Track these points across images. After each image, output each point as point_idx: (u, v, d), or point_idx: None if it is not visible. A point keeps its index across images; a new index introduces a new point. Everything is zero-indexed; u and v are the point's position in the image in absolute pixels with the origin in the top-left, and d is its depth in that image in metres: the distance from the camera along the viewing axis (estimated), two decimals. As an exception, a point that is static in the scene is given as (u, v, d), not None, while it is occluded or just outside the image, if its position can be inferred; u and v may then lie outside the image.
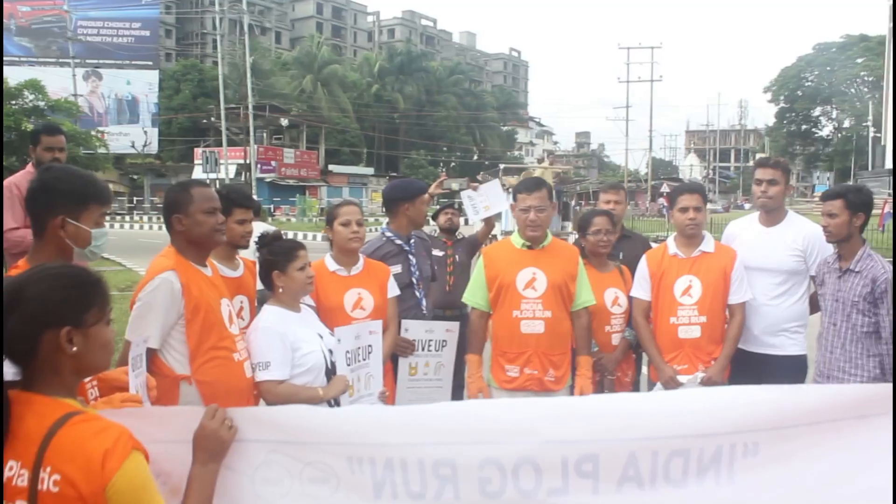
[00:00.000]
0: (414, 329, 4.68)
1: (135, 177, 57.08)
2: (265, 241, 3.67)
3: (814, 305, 4.69)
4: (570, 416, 2.71)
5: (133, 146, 56.85)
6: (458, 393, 6.15)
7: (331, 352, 3.63)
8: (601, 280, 4.76)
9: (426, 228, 5.58)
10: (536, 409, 2.85)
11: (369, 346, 3.88)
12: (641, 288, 4.71)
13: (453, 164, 78.89)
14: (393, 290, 4.43)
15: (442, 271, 6.17)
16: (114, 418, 2.10)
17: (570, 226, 23.82)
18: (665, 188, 53.36)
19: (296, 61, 71.32)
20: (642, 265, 4.74)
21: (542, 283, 4.30)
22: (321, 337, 3.67)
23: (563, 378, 4.38)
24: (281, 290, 3.61)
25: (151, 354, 3.10)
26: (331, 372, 3.61)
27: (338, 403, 3.62)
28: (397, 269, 4.72)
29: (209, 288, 3.29)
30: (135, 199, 54.86)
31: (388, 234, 4.85)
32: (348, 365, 3.70)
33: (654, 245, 5.48)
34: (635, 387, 5.06)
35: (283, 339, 3.47)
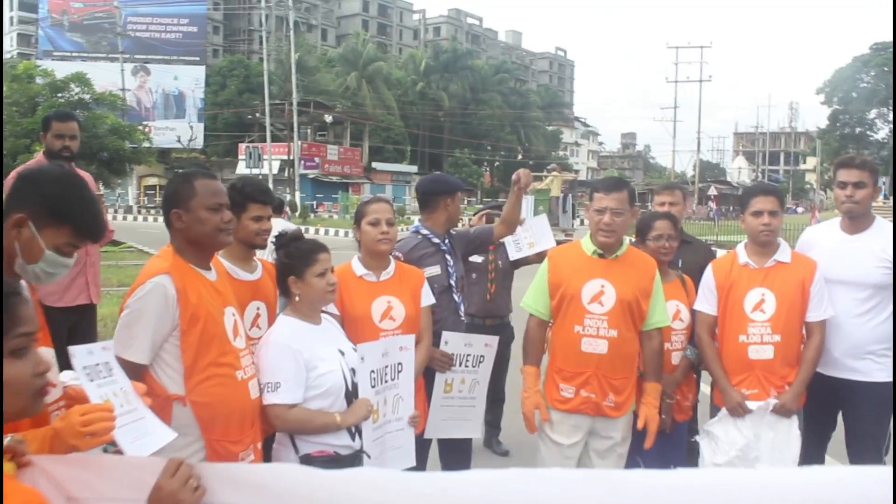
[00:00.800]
0: (454, 342, 4.19)
1: (180, 171, 57.38)
2: (283, 242, 3.23)
3: None
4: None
5: (179, 141, 57.51)
6: (494, 408, 5.67)
7: (353, 371, 3.18)
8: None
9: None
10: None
11: (399, 363, 3.41)
12: (706, 301, 4.17)
13: (497, 163, 78.52)
14: (427, 299, 3.95)
15: (482, 278, 5.68)
16: (53, 466, 1.65)
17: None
18: (713, 191, 52.39)
19: (341, 58, 71.30)
20: (708, 275, 4.21)
21: (611, 298, 3.79)
22: (342, 354, 3.20)
23: (625, 404, 3.87)
24: (297, 298, 3.17)
25: (142, 371, 2.67)
26: (352, 395, 3.16)
27: (359, 432, 3.17)
28: (435, 270, 4.25)
29: (211, 294, 2.84)
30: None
31: (424, 231, 4.38)
32: (373, 386, 3.23)
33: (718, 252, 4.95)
34: (694, 411, 4.54)
35: (297, 356, 3.02)
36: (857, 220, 4.16)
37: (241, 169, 47.35)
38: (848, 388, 4.12)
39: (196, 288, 2.77)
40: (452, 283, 4.29)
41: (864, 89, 67.78)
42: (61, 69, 29.45)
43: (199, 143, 60.38)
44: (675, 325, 4.20)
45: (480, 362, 4.25)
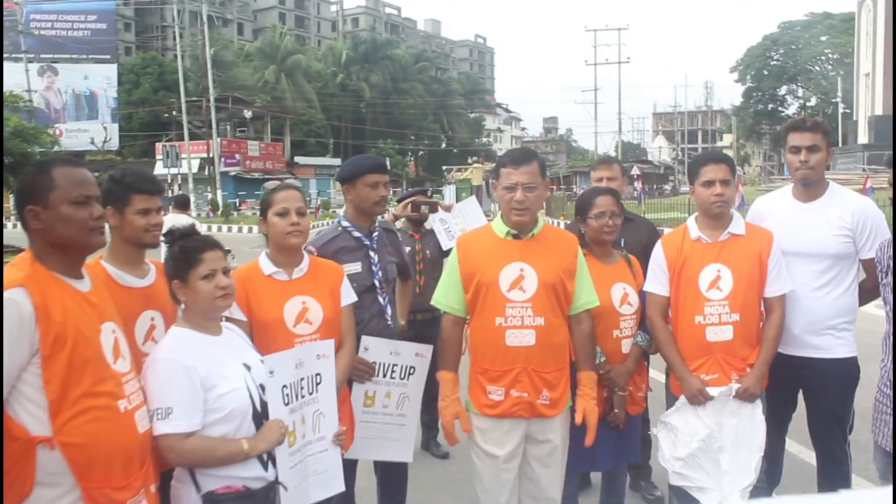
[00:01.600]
0: (376, 349, 3.73)
1: (95, 174, 55.13)
2: (172, 238, 2.74)
3: (864, 295, 3.88)
4: None
5: (93, 143, 55.49)
6: (431, 408, 5.23)
7: (262, 388, 2.71)
8: (606, 274, 3.86)
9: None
10: None
11: (317, 374, 2.94)
12: (657, 281, 3.81)
13: (421, 152, 78.17)
14: (348, 296, 3.48)
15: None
16: None
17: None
18: (636, 170, 52.89)
19: (259, 52, 69.83)
20: (657, 253, 3.84)
21: (533, 283, 3.34)
22: (248, 368, 2.73)
23: (561, 400, 3.44)
24: (183, 306, 2.69)
25: None
26: (261, 416, 2.69)
27: (272, 461, 2.70)
28: (355, 267, 3.79)
29: (82, 309, 2.33)
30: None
31: (345, 223, 3.92)
32: (286, 404, 2.76)
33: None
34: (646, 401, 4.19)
35: (190, 374, 2.53)
36: (811, 187, 3.87)
37: (160, 169, 45.91)
38: (809, 367, 3.85)
39: (61, 302, 2.27)
40: (377, 282, 3.85)
41: (774, 66, 69.86)
42: (-41, 71, 27.89)
43: (115, 144, 58.39)
44: (624, 310, 3.84)
45: (410, 374, 3.80)
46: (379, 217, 4.02)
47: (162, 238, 2.86)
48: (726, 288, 3.61)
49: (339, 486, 3.07)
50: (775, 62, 69.98)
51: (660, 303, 3.80)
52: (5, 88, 31.16)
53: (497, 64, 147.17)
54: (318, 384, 2.94)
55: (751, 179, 65.69)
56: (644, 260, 4.04)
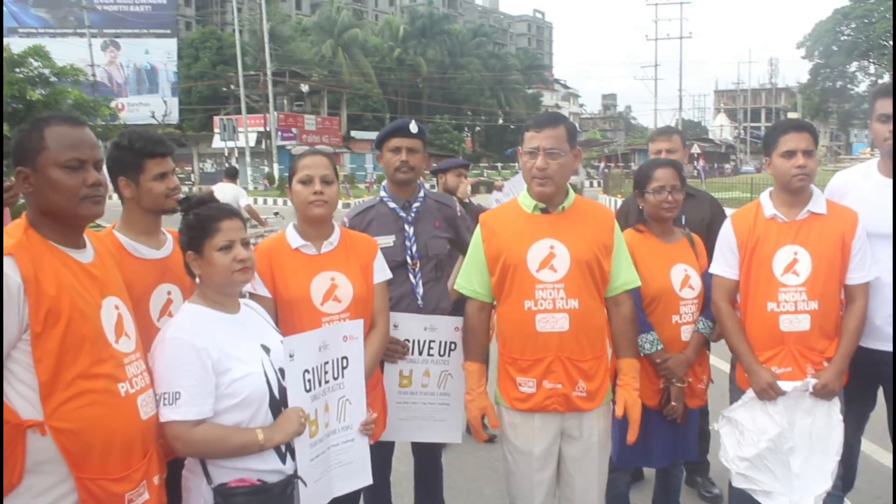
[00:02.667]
0: (406, 325, 3.47)
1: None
2: (188, 206, 2.50)
3: None
4: None
5: (153, 116, 56.35)
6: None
7: (282, 372, 2.47)
8: (666, 254, 3.54)
9: None
10: None
11: (343, 358, 2.68)
12: (725, 263, 3.44)
13: (478, 128, 77.66)
14: (382, 273, 3.22)
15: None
16: None
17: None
18: (696, 149, 51.77)
19: (316, 27, 69.86)
20: (726, 232, 3.47)
21: (565, 261, 3.00)
22: (267, 351, 2.49)
23: (599, 392, 3.11)
24: (198, 279, 2.45)
25: None
26: (280, 403, 2.45)
27: (291, 452, 2.46)
28: (387, 240, 3.52)
29: (80, 282, 2.11)
30: (155, 169, 54.27)
31: (383, 193, 3.68)
32: (308, 390, 2.51)
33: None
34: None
35: (202, 356, 2.30)
36: None
37: (217, 142, 46.42)
38: (890, 361, 3.46)
39: (55, 274, 2.05)
40: (408, 258, 3.57)
41: (844, 42, 67.55)
42: (19, 45, 28.37)
43: (174, 117, 59.29)
44: (685, 294, 3.51)
45: (452, 350, 3.50)
46: (435, 189, 3.73)
47: (174, 206, 2.62)
48: (804, 273, 3.25)
49: (367, 479, 2.82)
50: (846, 37, 67.50)
51: (727, 287, 3.44)
52: (69, 62, 31.57)
53: (555, 39, 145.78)
54: (344, 368, 2.68)
55: (817, 159, 63.94)
56: (707, 239, 3.72)
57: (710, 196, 4.62)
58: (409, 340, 3.47)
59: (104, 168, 2.28)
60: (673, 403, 3.48)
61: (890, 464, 4.28)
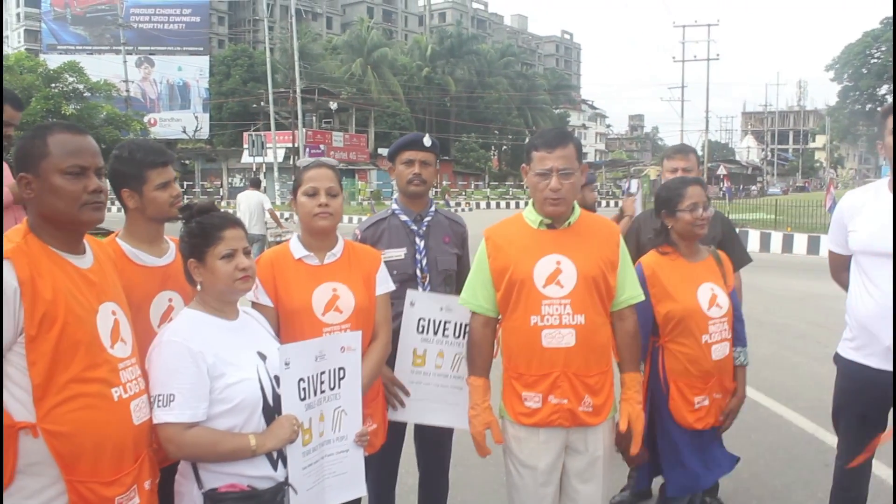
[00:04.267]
0: (423, 304, 3.46)
1: (186, 162, 56.97)
2: (190, 214, 2.53)
3: None
4: None
5: (184, 131, 57.19)
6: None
7: (277, 380, 2.49)
8: (693, 273, 3.52)
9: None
10: None
11: (340, 369, 2.69)
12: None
13: (505, 147, 77.79)
14: (385, 285, 3.23)
15: None
16: None
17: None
18: (722, 170, 51.44)
19: (346, 45, 70.57)
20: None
21: (571, 277, 3.00)
22: (263, 358, 2.51)
23: (605, 407, 3.09)
24: (199, 286, 2.48)
25: None
26: (274, 411, 2.46)
27: (283, 459, 2.48)
28: (398, 253, 3.54)
29: (77, 287, 2.15)
30: (185, 183, 54.77)
31: (395, 206, 3.70)
32: (303, 399, 2.53)
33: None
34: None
35: (197, 360, 2.32)
36: None
37: (246, 158, 46.90)
38: None
39: (52, 279, 2.08)
40: (419, 271, 3.58)
41: (874, 65, 67.06)
42: (57, 62, 28.96)
43: (205, 133, 60.23)
44: (713, 314, 3.47)
45: (466, 333, 3.42)
46: (446, 206, 3.74)
47: (179, 214, 2.65)
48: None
49: (361, 490, 2.82)
50: (876, 60, 66.95)
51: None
52: (104, 77, 32.17)
53: (583, 60, 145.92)
54: (340, 379, 2.69)
55: (844, 182, 63.23)
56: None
57: (721, 215, 4.60)
58: (423, 319, 3.47)
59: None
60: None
61: (889, 479, 4.20)
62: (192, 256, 2.46)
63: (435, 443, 3.82)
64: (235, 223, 2.51)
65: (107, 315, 2.21)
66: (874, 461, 3.92)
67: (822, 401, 6.34)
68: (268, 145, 43.94)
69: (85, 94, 26.73)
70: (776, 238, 21.91)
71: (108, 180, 2.45)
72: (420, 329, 3.49)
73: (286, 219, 16.57)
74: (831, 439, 5.57)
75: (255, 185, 14.18)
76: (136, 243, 2.78)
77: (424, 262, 3.60)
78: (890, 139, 3.44)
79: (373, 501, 3.71)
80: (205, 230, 2.45)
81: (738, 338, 3.62)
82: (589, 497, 3.11)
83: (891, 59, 64.62)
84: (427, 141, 3.62)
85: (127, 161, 2.75)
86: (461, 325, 3.46)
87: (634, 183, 5.39)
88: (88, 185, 2.16)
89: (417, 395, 3.50)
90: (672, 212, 3.53)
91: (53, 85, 26.17)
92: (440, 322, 3.49)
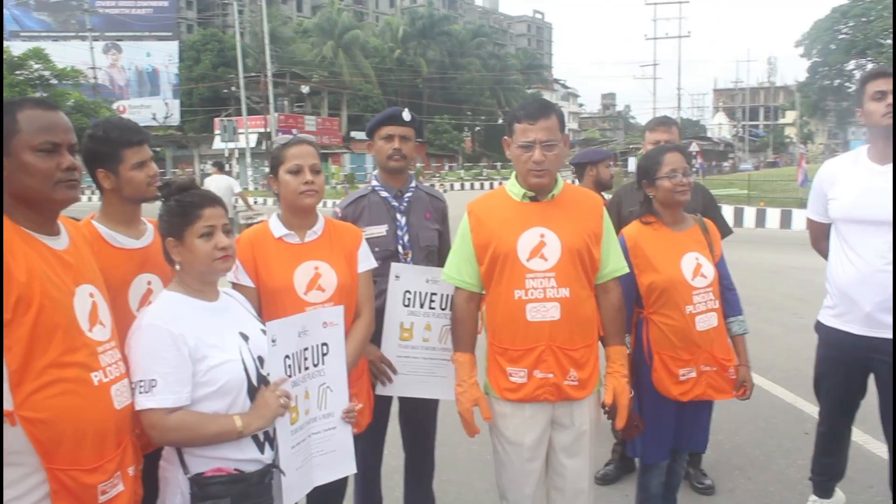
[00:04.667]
0: (408, 276, 3.43)
1: (157, 149, 56.24)
2: (169, 192, 2.46)
3: None
4: None
5: (154, 118, 56.48)
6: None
7: (260, 361, 2.44)
8: (676, 242, 3.47)
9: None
10: None
11: (323, 344, 2.65)
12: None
13: (478, 128, 77.68)
14: (367, 262, 3.19)
15: None
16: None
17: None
18: (694, 147, 51.76)
19: (317, 28, 69.90)
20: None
21: (555, 250, 2.97)
22: (246, 339, 2.45)
23: (590, 380, 3.07)
24: (178, 266, 2.43)
25: None
26: (258, 392, 2.42)
27: (269, 441, 2.44)
28: (380, 230, 3.51)
29: (53, 269, 2.08)
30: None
31: (374, 183, 3.66)
32: (289, 376, 2.49)
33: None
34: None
35: (178, 343, 2.27)
36: (892, 145, 3.45)
37: (218, 143, 46.44)
38: (882, 348, 3.46)
39: (27, 260, 2.01)
40: (400, 248, 3.54)
41: (842, 41, 67.53)
42: (19, 48, 28.45)
43: (176, 119, 59.52)
44: (697, 283, 3.41)
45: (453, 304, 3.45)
46: (427, 183, 3.71)
47: (157, 193, 2.59)
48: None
49: (350, 468, 2.79)
50: (844, 35, 67.35)
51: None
52: (71, 64, 31.64)
53: (555, 39, 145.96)
54: (324, 355, 2.65)
55: (814, 157, 63.80)
56: None
57: (702, 187, 4.60)
58: (409, 292, 3.44)
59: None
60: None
61: (883, 454, 4.24)
62: (171, 235, 2.40)
63: (420, 422, 3.80)
64: (215, 201, 2.45)
65: (84, 297, 2.15)
66: (854, 428, 3.97)
67: (800, 371, 6.45)
68: (240, 131, 43.56)
69: (51, 82, 26.29)
70: (749, 213, 22.14)
71: (82, 160, 2.39)
72: (406, 302, 3.46)
73: (256, 203, 16.15)
74: (810, 408, 5.67)
75: (220, 167, 13.92)
76: (112, 225, 2.72)
77: (406, 238, 3.57)
78: (870, 105, 3.46)
79: (358, 481, 3.69)
80: (183, 208, 2.39)
81: (731, 307, 3.59)
82: (576, 472, 3.10)
83: (859, 35, 65.18)
84: (406, 115, 3.58)
85: (102, 140, 2.68)
86: (447, 296, 3.43)
87: None
88: (62, 162, 2.09)
89: (406, 369, 3.47)
90: (652, 180, 3.50)
91: (18, 72, 25.70)
92: (426, 294, 3.46)
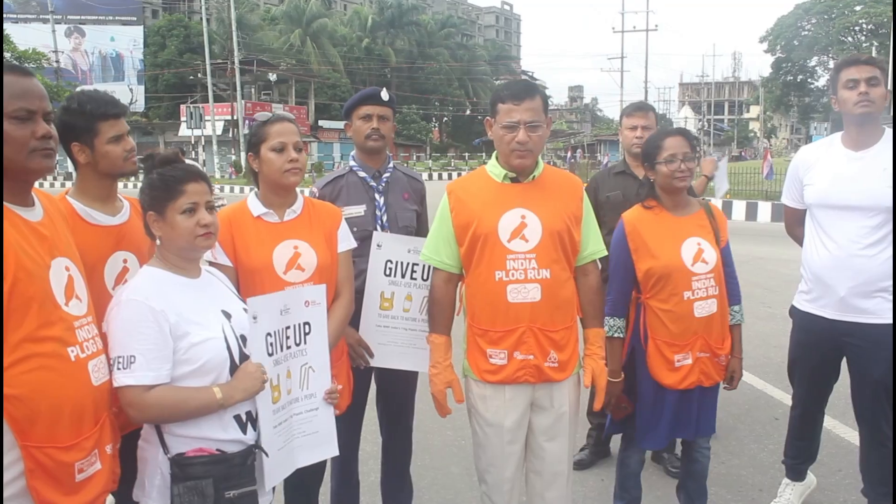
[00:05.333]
0: (390, 246, 3.40)
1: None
2: (152, 165, 2.37)
3: None
4: None
5: (118, 104, 55.52)
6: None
7: (243, 339, 2.39)
8: (677, 227, 3.40)
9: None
10: None
11: (305, 323, 2.61)
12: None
13: (446, 118, 77.63)
14: (346, 242, 3.14)
15: None
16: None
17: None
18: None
19: (284, 16, 69.29)
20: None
21: (536, 231, 2.95)
22: (228, 317, 2.40)
23: (570, 362, 3.06)
24: (159, 241, 2.37)
25: None
26: None
27: (252, 422, 2.39)
28: (358, 210, 3.46)
29: (28, 241, 2.01)
30: (120, 158, 53.44)
31: (352, 163, 3.61)
32: (270, 354, 2.44)
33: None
34: None
35: (159, 320, 2.20)
36: (866, 131, 3.49)
37: (184, 131, 45.92)
38: (855, 333, 3.51)
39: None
40: (378, 228, 3.50)
41: (805, 37, 68.50)
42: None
43: (140, 105, 58.66)
44: (697, 269, 3.33)
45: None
46: (404, 164, 3.66)
47: (140, 165, 2.51)
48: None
49: (333, 450, 2.75)
50: (807, 32, 68.29)
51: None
52: (31, 46, 31.01)
53: (523, 31, 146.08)
54: (306, 334, 2.60)
55: (777, 151, 64.71)
56: None
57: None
58: (391, 262, 3.41)
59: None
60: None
61: (851, 438, 4.30)
62: (152, 209, 2.33)
63: (398, 405, 3.77)
64: (199, 176, 2.38)
65: (60, 271, 2.08)
66: (826, 415, 4.02)
67: (770, 359, 6.52)
68: (206, 118, 43.11)
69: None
70: (715, 205, 22.34)
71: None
72: (387, 272, 3.43)
73: (223, 189, 16.22)
74: (780, 395, 5.74)
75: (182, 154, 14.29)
76: (88, 201, 2.64)
77: (385, 218, 3.53)
78: (843, 93, 3.49)
79: (336, 464, 3.65)
80: (166, 182, 2.32)
81: (731, 295, 3.49)
82: (555, 454, 3.09)
83: (821, 32, 66.08)
84: (385, 95, 3.54)
85: (76, 113, 2.59)
86: (429, 267, 3.37)
87: (718, 153, 5.46)
88: (37, 129, 2.02)
89: (385, 339, 3.44)
90: (652, 164, 3.45)
91: (-22, 55, 25.08)
92: (408, 264, 3.43)
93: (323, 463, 3.02)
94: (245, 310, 2.44)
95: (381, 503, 3.92)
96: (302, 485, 3.16)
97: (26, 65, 25.56)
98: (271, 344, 2.44)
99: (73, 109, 2.60)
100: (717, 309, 3.38)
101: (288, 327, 2.53)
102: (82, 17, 58.72)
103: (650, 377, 3.39)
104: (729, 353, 3.47)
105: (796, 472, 4.05)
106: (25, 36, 32.91)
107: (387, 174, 3.60)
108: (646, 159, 3.49)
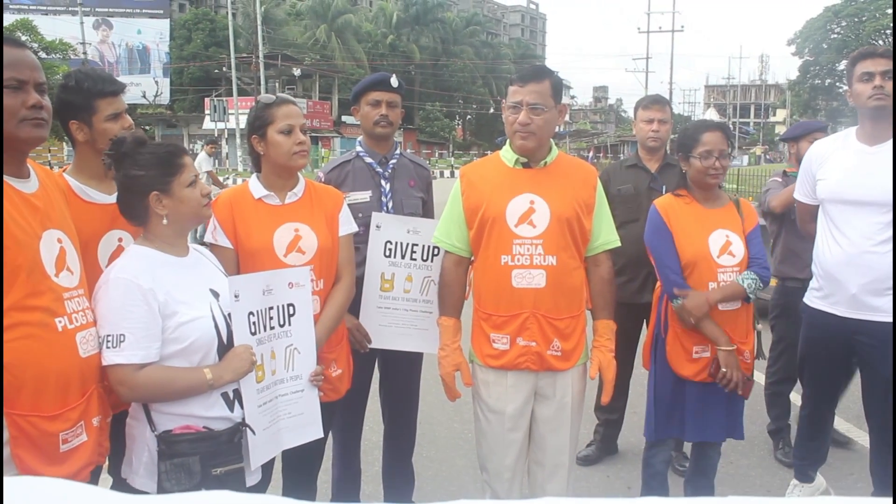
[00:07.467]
0: (389, 226, 3.37)
1: (146, 127, 55.81)
2: (125, 150, 2.30)
3: None
4: None
5: (144, 96, 56.02)
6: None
7: (231, 318, 2.37)
8: (707, 219, 3.36)
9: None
10: None
11: (289, 305, 2.58)
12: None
13: (469, 116, 77.58)
14: (348, 226, 3.11)
15: None
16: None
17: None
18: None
19: (310, 11, 69.48)
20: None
21: (544, 217, 2.93)
22: (216, 296, 2.38)
23: (575, 352, 3.03)
24: (166, 220, 2.33)
25: None
26: (228, 350, 2.35)
27: (239, 400, 2.37)
28: (363, 196, 3.44)
29: (20, 211, 2.00)
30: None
31: (359, 149, 3.59)
32: (254, 333, 2.42)
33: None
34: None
35: (148, 298, 2.19)
36: (881, 125, 3.41)
37: (207, 124, 46.20)
38: (866, 331, 3.43)
39: None
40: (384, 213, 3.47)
41: (834, 40, 67.71)
42: (10, 21, 28.13)
43: (165, 98, 59.00)
44: (723, 261, 3.29)
45: (435, 255, 3.38)
46: (411, 151, 3.64)
47: (107, 153, 2.45)
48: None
49: (317, 432, 2.72)
50: (836, 35, 67.54)
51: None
52: (59, 37, 31.28)
53: (548, 30, 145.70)
54: (290, 316, 2.58)
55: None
56: None
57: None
58: (391, 242, 3.40)
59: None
60: (723, 370, 3.26)
61: (865, 443, 4.21)
62: (155, 189, 2.29)
63: (402, 393, 3.74)
64: (183, 150, 2.39)
65: (51, 242, 2.08)
66: (836, 417, 3.94)
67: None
68: (230, 111, 43.30)
69: (40, 55, 25.98)
70: (746, 200, 22.18)
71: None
72: (387, 252, 3.41)
73: (226, 179, 16.47)
74: (793, 396, 5.64)
75: (213, 142, 15.04)
76: (84, 179, 2.62)
77: (390, 204, 3.51)
78: (857, 86, 3.43)
79: (337, 449, 3.64)
80: (165, 160, 2.30)
81: (752, 265, 3.37)
82: (557, 445, 3.06)
83: (851, 35, 65.36)
84: (394, 81, 3.53)
85: (74, 90, 2.58)
86: (429, 247, 3.39)
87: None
88: (27, 99, 2.02)
89: (386, 321, 3.42)
90: (686, 156, 3.39)
91: (6, 44, 25.42)
92: (407, 245, 3.41)
93: (322, 444, 3.01)
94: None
95: (382, 493, 3.89)
96: (300, 467, 3.14)
97: (53, 55, 25.88)
98: (254, 323, 2.43)
99: (71, 87, 2.59)
100: (741, 303, 3.31)
101: (271, 308, 2.51)
102: (110, 10, 59.17)
103: (668, 368, 3.35)
104: (753, 350, 3.40)
105: (805, 473, 3.98)
106: (54, 28, 33.14)
107: (393, 160, 3.58)
108: (680, 149, 3.44)
